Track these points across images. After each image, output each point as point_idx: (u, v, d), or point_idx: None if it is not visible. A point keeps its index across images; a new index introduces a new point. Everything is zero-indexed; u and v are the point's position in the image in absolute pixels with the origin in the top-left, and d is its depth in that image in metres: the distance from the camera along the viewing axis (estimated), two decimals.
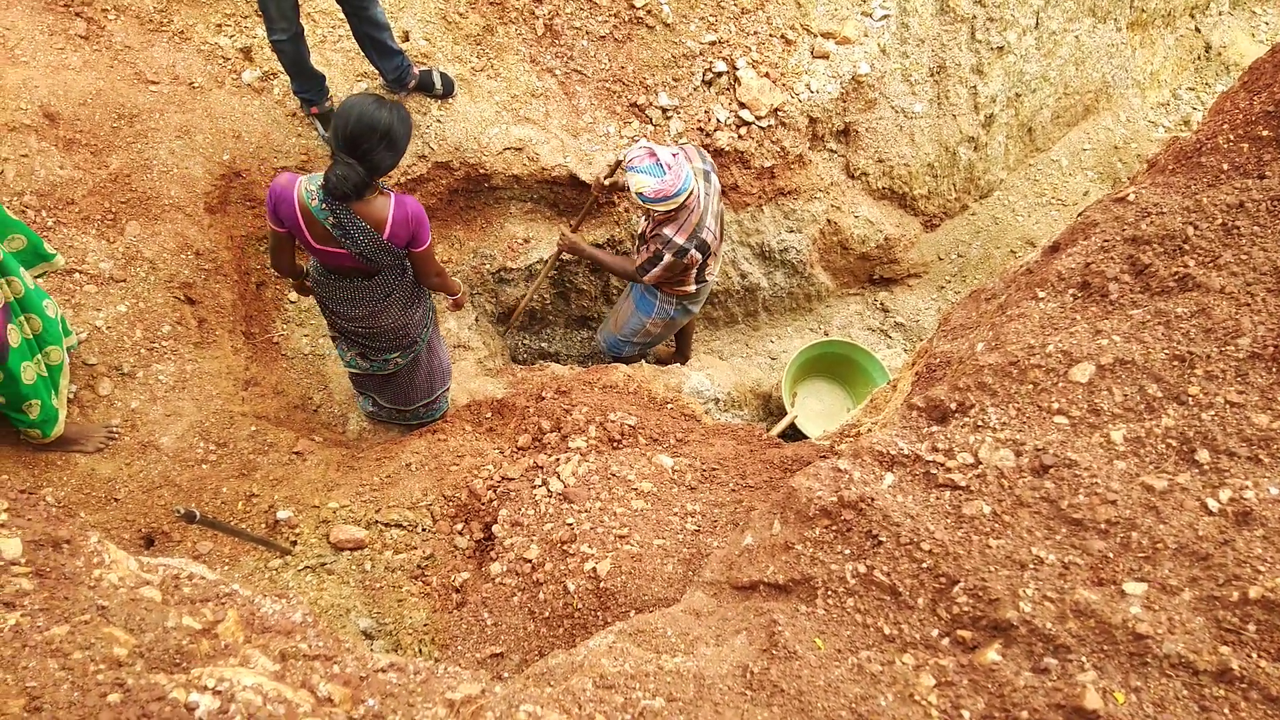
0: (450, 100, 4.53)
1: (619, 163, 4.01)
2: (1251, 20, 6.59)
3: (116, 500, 3.38)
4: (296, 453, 3.74)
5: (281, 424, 3.97)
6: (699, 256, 3.93)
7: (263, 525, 3.40)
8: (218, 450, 3.64)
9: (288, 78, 4.27)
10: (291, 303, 4.54)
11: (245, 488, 3.49)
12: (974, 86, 5.33)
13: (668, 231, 3.84)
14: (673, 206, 3.70)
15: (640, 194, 3.64)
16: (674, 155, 3.63)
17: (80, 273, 3.71)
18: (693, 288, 4.24)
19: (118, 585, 1.39)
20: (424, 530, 3.44)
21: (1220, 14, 6.41)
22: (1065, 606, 1.66)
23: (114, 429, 3.45)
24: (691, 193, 3.73)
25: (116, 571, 1.46)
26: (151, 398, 3.64)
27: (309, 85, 4.22)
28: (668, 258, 3.89)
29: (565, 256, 4.81)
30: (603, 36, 4.76)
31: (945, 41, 5.14)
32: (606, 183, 4.21)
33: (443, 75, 4.46)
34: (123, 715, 1.04)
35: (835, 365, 5.39)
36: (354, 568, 3.27)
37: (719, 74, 4.80)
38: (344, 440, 4.20)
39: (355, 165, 2.79)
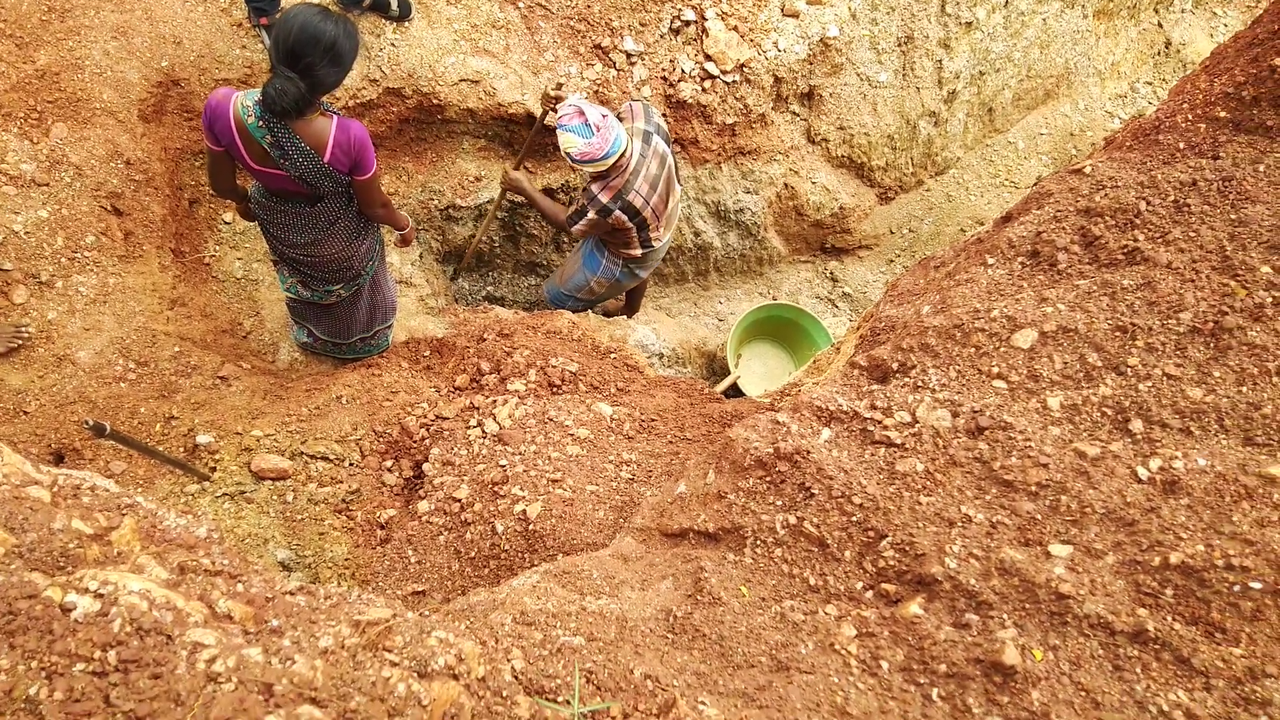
0: (406, 24, 4.34)
1: (556, 101, 3.88)
2: (1212, 20, 6.68)
3: (26, 413, 3.21)
4: (222, 377, 3.60)
5: (208, 347, 3.81)
6: (624, 218, 3.85)
7: (181, 449, 3.27)
8: (138, 369, 3.47)
9: None
10: (226, 223, 4.34)
11: (165, 409, 3.34)
12: (940, 60, 5.30)
13: (594, 188, 3.78)
14: (601, 169, 3.64)
15: (568, 153, 3.58)
16: (604, 116, 3.54)
17: (0, 173, 3.48)
18: (638, 252, 4.15)
19: (0, 482, 1.29)
20: (351, 465, 3.35)
21: (1183, 11, 6.48)
22: (990, 564, 1.66)
23: (23, 328, 3.27)
24: (623, 154, 3.66)
25: (2, 469, 1.36)
26: (70, 309, 3.45)
27: None
28: (591, 214, 3.83)
29: (511, 196, 4.69)
30: None
31: (915, 12, 5.10)
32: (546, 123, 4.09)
33: None
34: None
35: (781, 329, 5.39)
36: (275, 498, 3.16)
37: (687, 23, 4.69)
38: (273, 369, 4.05)
39: (296, 79, 2.64)
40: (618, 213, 3.81)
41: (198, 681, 0.98)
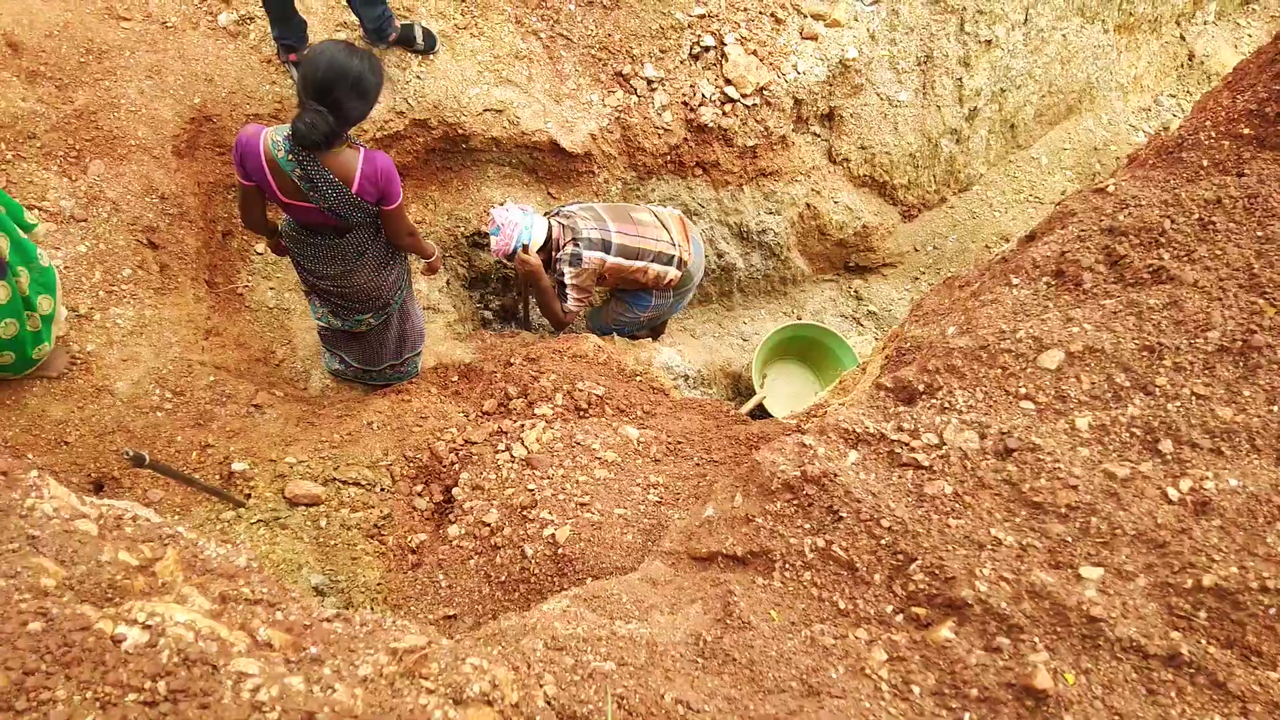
0: (431, 56, 4.43)
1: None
2: (1235, 32, 6.65)
3: (66, 443, 3.28)
4: (256, 405, 3.66)
5: (241, 376, 3.88)
6: (601, 256, 4.00)
7: (217, 477, 3.33)
8: (174, 399, 3.55)
9: (264, 22, 4.14)
10: (258, 254, 4.43)
11: (200, 438, 3.41)
12: (960, 79, 5.32)
13: (558, 264, 4.05)
14: (520, 256, 3.95)
15: (495, 256, 4.04)
16: (506, 213, 3.91)
17: (40, 210, 3.58)
18: (675, 274, 4.22)
19: (51, 516, 1.34)
20: (382, 490, 3.39)
21: (1206, 24, 6.45)
22: (1021, 587, 1.66)
23: (75, 354, 3.38)
24: (537, 240, 3.95)
25: (51, 503, 1.41)
26: (108, 341, 3.54)
27: (290, 31, 4.10)
28: (569, 275, 4.01)
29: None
30: (590, 1, 4.67)
31: (934, 31, 5.12)
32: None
33: (425, 30, 4.36)
34: (43, 643, 0.99)
35: (807, 349, 5.39)
36: (308, 524, 3.21)
37: (706, 48, 4.75)
38: (305, 396, 4.12)
39: (325, 113, 2.71)
40: (586, 254, 3.97)
41: (243, 711, 1.01)
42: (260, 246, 4.42)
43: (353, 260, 3.30)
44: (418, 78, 4.42)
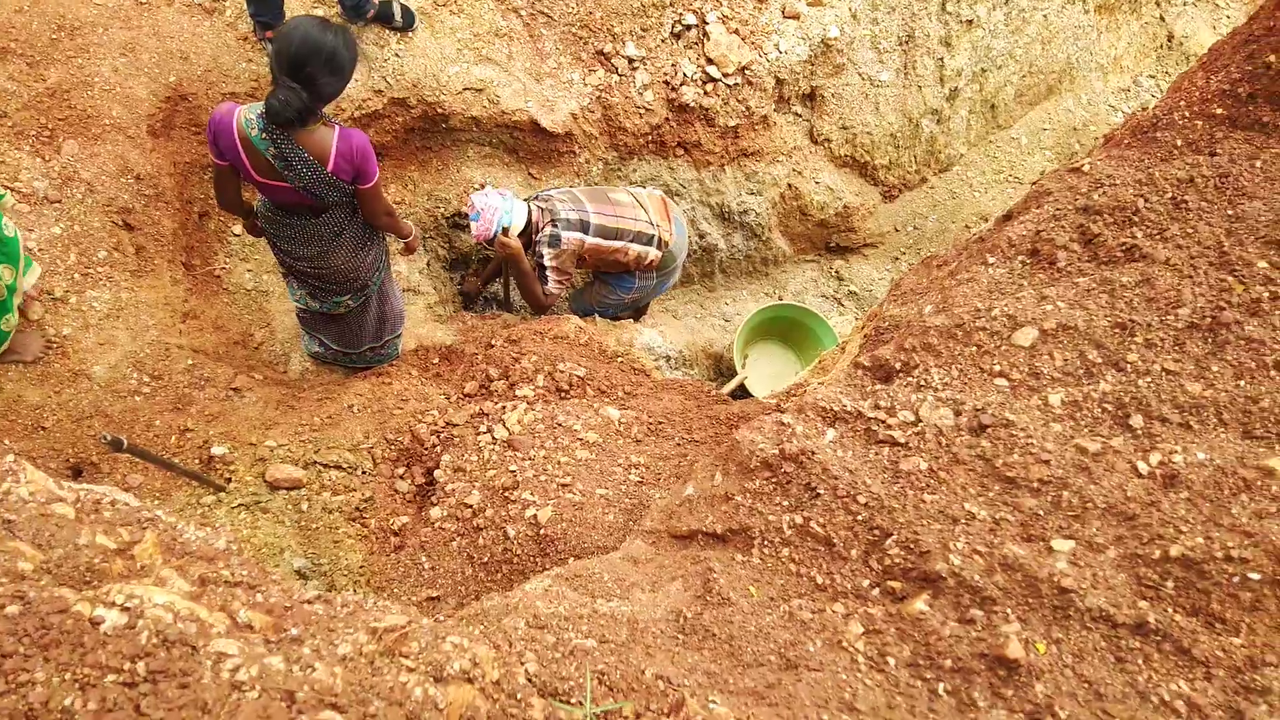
0: (410, 34, 4.39)
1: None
2: (1214, 13, 6.67)
3: (44, 429, 3.26)
4: (235, 389, 3.64)
5: (220, 359, 3.86)
6: (580, 237, 4.02)
7: (196, 461, 3.31)
8: (152, 382, 3.52)
9: None
10: (235, 236, 4.39)
11: (179, 422, 3.39)
12: (941, 59, 5.32)
13: (538, 246, 4.08)
14: (500, 239, 3.98)
15: (476, 240, 4.14)
16: (485, 197, 3.93)
17: (13, 191, 3.53)
18: (655, 255, 4.22)
19: (27, 500, 1.33)
20: (364, 473, 3.39)
21: (1185, 5, 6.48)
22: (994, 561, 1.69)
23: (51, 338, 3.34)
24: (517, 224, 3.98)
25: (27, 487, 1.40)
26: (84, 325, 3.51)
27: (266, 8, 4.04)
28: (548, 256, 4.04)
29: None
30: None
31: (916, 11, 5.12)
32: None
33: (403, 7, 4.31)
34: (20, 626, 0.99)
35: (788, 329, 5.42)
36: (290, 507, 3.20)
37: (688, 27, 4.72)
38: (285, 379, 4.10)
39: (298, 90, 2.68)
40: (565, 234, 3.98)
41: (223, 690, 1.02)
42: (237, 228, 4.38)
43: (329, 241, 3.28)
44: (396, 56, 4.37)
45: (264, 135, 2.83)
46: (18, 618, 1.00)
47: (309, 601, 1.52)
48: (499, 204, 3.93)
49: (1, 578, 1.10)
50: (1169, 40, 6.50)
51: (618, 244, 4.09)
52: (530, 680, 1.52)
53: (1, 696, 0.91)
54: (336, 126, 2.93)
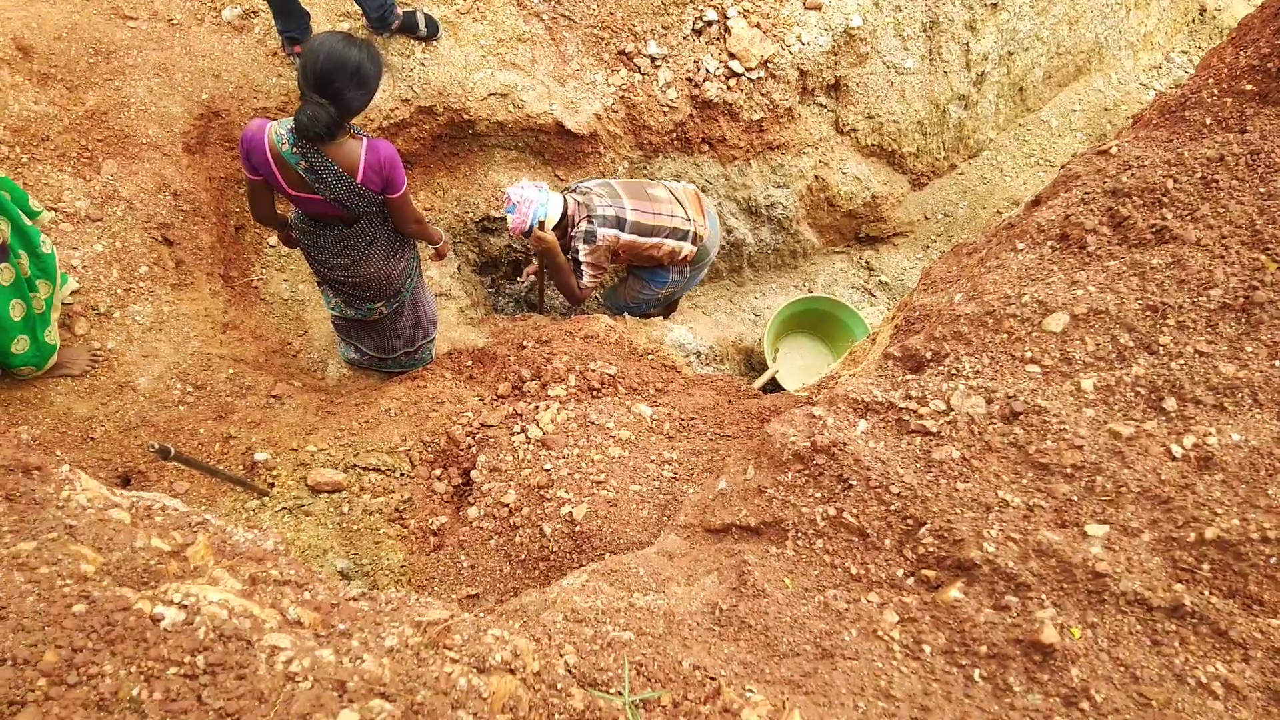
0: (434, 43, 4.45)
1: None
2: None
3: (93, 440, 3.36)
4: (275, 396, 3.73)
5: (260, 368, 3.95)
6: (615, 234, 4.03)
7: (240, 467, 3.40)
8: (195, 392, 3.62)
9: (268, 15, 4.17)
10: (271, 247, 4.49)
11: (223, 430, 3.48)
12: (966, 43, 5.28)
13: (573, 241, 4.08)
14: (536, 233, 3.99)
15: (511, 232, 4.10)
16: (522, 190, 3.92)
17: (56, 211, 3.65)
18: (690, 250, 4.23)
19: (86, 506, 1.40)
20: (402, 475, 3.45)
21: None
22: (1028, 547, 1.69)
23: (97, 352, 3.46)
24: (553, 217, 3.98)
25: (85, 494, 1.46)
26: (128, 338, 3.61)
27: (293, 23, 4.13)
28: (583, 252, 4.05)
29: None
30: None
31: None
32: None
33: (427, 17, 4.38)
34: (87, 624, 1.04)
35: (819, 322, 5.41)
36: (331, 510, 3.28)
37: (709, 23, 4.74)
38: (323, 386, 4.18)
39: (326, 105, 2.74)
40: (601, 230, 3.99)
41: (278, 681, 1.07)
42: (273, 239, 4.48)
43: (361, 249, 3.34)
44: (421, 65, 4.44)
45: (294, 150, 2.90)
46: (85, 615, 1.06)
47: (354, 599, 1.57)
48: (535, 196, 3.94)
49: (67, 579, 1.16)
50: (1200, 14, 6.38)
51: (653, 240, 4.10)
52: (570, 671, 1.55)
53: (75, 687, 0.96)
54: (364, 138, 2.99)
